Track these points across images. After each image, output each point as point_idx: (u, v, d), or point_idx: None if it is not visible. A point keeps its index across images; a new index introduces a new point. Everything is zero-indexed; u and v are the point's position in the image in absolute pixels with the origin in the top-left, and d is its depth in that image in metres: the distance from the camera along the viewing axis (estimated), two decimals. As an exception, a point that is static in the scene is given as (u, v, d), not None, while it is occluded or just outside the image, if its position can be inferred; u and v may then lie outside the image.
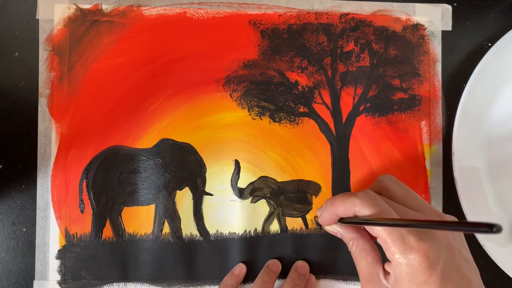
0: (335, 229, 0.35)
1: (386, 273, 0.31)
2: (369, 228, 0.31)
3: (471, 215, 0.41)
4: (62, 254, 0.41)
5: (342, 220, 0.34)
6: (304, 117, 0.44)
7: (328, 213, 0.34)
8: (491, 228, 0.21)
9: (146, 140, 0.43)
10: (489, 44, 0.44)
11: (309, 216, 0.44)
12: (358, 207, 0.31)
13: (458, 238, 0.31)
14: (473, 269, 0.30)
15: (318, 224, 0.43)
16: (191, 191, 0.43)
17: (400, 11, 0.44)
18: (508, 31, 0.42)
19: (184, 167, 0.43)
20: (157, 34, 0.43)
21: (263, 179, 0.43)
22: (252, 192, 0.43)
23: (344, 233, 0.34)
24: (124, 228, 0.42)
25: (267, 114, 0.43)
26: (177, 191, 0.43)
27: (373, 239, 0.34)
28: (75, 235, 0.42)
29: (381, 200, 0.31)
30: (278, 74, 0.44)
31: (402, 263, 0.28)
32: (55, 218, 0.41)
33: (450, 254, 0.29)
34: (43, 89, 0.42)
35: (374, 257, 0.32)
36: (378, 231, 0.29)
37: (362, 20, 0.44)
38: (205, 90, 0.43)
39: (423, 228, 0.28)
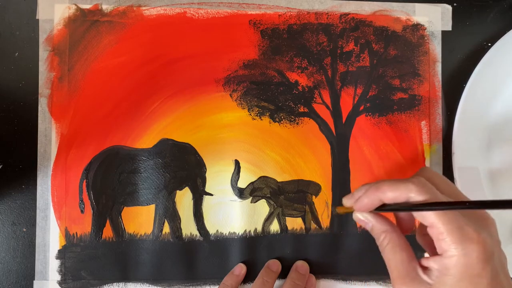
0: (367, 218, 0.33)
1: (424, 268, 0.30)
2: (422, 217, 0.29)
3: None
4: (62, 254, 0.41)
5: (382, 208, 0.31)
6: (304, 117, 0.44)
7: (370, 198, 0.31)
8: None
9: (146, 140, 0.43)
10: (489, 44, 0.44)
11: (308, 216, 0.44)
12: (414, 193, 0.29)
13: (498, 233, 0.31)
14: (507, 264, 0.30)
15: (335, 213, 0.42)
16: (191, 191, 0.43)
17: (400, 11, 0.44)
18: (508, 31, 0.42)
19: (184, 167, 0.43)
20: (157, 34, 0.43)
21: (263, 179, 0.43)
22: (252, 192, 0.43)
23: (377, 224, 0.32)
24: (124, 228, 0.42)
25: (267, 114, 0.43)
26: (177, 191, 0.43)
27: (405, 231, 0.33)
28: (75, 235, 0.42)
29: (434, 187, 0.30)
30: (278, 74, 0.44)
31: (457, 254, 0.27)
32: (55, 218, 0.41)
33: (499, 250, 0.29)
34: (43, 89, 0.42)
35: (409, 253, 0.31)
36: (433, 220, 0.28)
37: (362, 20, 0.44)
38: (205, 90, 0.43)
39: (488, 209, 0.27)
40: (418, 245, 0.34)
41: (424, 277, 0.29)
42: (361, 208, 0.32)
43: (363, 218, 0.33)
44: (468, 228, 0.28)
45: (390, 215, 0.35)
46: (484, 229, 0.28)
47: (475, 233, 0.27)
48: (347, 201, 0.34)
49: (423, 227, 0.31)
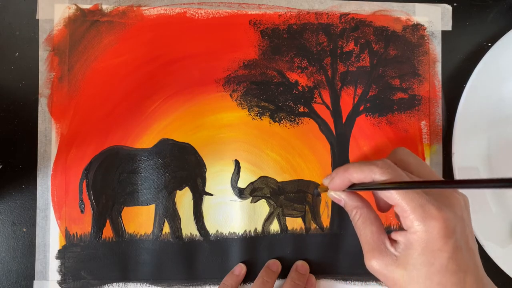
0: (340, 196, 0.35)
1: (392, 241, 0.32)
2: (386, 197, 0.31)
3: (471, 215, 0.41)
4: (62, 254, 0.41)
5: (353, 187, 0.34)
6: (304, 117, 0.44)
7: (340, 179, 0.34)
8: None
9: (146, 140, 0.43)
10: (489, 44, 0.44)
11: (308, 216, 0.44)
12: (378, 175, 0.31)
13: (467, 213, 0.32)
14: (475, 243, 0.32)
15: (317, 193, 0.43)
16: (191, 191, 0.43)
17: (400, 11, 0.44)
18: (508, 31, 0.42)
19: (184, 167, 0.43)
20: (157, 34, 0.43)
21: (263, 179, 0.43)
22: (252, 192, 0.43)
23: (348, 201, 0.35)
24: (124, 228, 0.42)
25: (267, 114, 0.43)
26: (177, 191, 0.43)
27: (383, 210, 0.35)
28: (75, 235, 0.42)
29: (399, 169, 0.32)
30: (278, 74, 0.44)
31: (420, 230, 0.29)
32: (55, 218, 0.41)
33: (463, 226, 0.31)
34: (43, 89, 0.42)
35: (379, 226, 0.33)
36: (397, 199, 0.30)
37: (362, 20, 0.44)
38: (205, 90, 0.43)
39: (448, 187, 0.29)
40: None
41: (391, 249, 0.31)
42: (334, 187, 0.35)
43: (336, 196, 0.36)
44: (429, 205, 0.29)
45: (371, 197, 0.36)
46: (447, 206, 0.30)
47: (436, 210, 0.29)
48: (325, 181, 0.37)
49: None
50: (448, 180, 0.28)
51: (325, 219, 0.44)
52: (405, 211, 0.30)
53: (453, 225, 0.29)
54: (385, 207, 0.36)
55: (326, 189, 0.37)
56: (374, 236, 0.32)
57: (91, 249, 0.42)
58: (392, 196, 0.30)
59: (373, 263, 0.32)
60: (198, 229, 0.43)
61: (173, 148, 0.43)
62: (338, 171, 0.34)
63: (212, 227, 0.43)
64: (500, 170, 0.43)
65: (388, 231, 0.33)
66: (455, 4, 0.45)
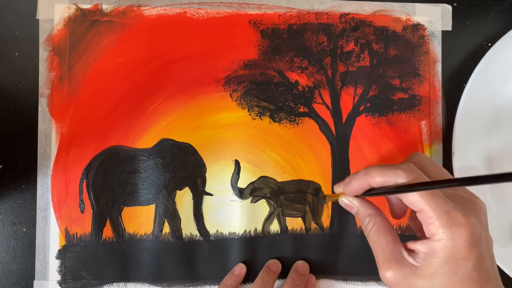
0: (352, 202, 0.33)
1: (409, 251, 0.31)
2: (410, 202, 0.29)
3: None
4: (62, 254, 0.41)
5: (370, 192, 0.32)
6: (304, 117, 0.44)
7: (359, 182, 0.32)
8: None
9: (146, 140, 0.43)
10: (489, 44, 0.44)
11: (308, 216, 0.44)
12: (403, 179, 0.30)
13: (487, 220, 0.31)
14: (492, 248, 0.31)
15: (323, 199, 0.42)
16: (191, 191, 0.43)
17: (400, 11, 0.44)
18: (508, 31, 0.42)
19: (184, 167, 0.43)
20: (157, 34, 0.43)
21: (263, 179, 0.43)
22: (252, 192, 0.43)
23: (361, 208, 0.33)
24: (124, 228, 0.42)
25: (267, 114, 0.43)
26: (177, 191, 0.43)
27: (397, 217, 0.34)
28: (75, 235, 0.42)
29: (424, 174, 0.30)
30: (278, 74, 0.44)
31: (445, 238, 0.28)
32: (55, 218, 0.41)
33: (486, 235, 0.30)
34: (43, 89, 0.42)
35: (394, 236, 0.31)
36: (422, 205, 0.29)
37: (362, 20, 0.44)
38: (205, 90, 0.43)
39: (478, 184, 0.27)
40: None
41: (410, 259, 0.30)
42: (351, 191, 0.33)
43: (348, 202, 0.34)
44: (456, 212, 0.28)
45: (385, 204, 0.35)
46: (472, 213, 0.29)
47: (463, 217, 0.28)
48: (337, 188, 0.35)
49: (413, 212, 0.31)
50: (475, 176, 0.27)
51: (325, 219, 0.44)
52: (430, 217, 0.28)
53: (478, 233, 0.28)
54: (400, 213, 0.35)
55: (334, 198, 0.35)
56: (390, 246, 0.31)
57: (91, 249, 0.42)
58: (416, 202, 0.29)
59: (389, 274, 0.30)
60: (198, 229, 0.43)
61: (173, 148, 0.43)
62: (358, 174, 0.32)
63: (212, 227, 0.43)
64: (500, 170, 0.43)
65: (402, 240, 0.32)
66: (455, 4, 0.45)
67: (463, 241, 0.28)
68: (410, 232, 0.43)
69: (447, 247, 0.28)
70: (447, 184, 0.28)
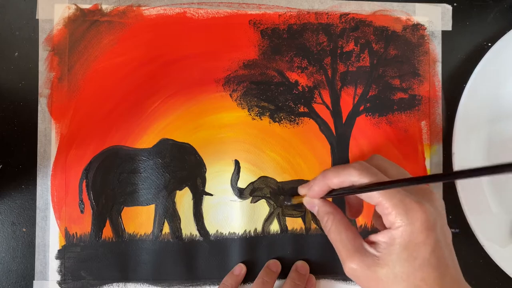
0: (313, 202, 0.36)
1: (370, 243, 0.32)
2: (368, 198, 0.31)
3: (471, 215, 0.41)
4: (62, 254, 0.41)
5: (332, 193, 0.34)
6: (304, 117, 0.44)
7: (319, 185, 0.34)
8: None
9: (146, 140, 0.43)
10: (489, 44, 0.44)
11: (308, 216, 0.44)
12: (356, 177, 0.31)
13: (444, 214, 0.33)
14: (451, 243, 0.32)
15: (287, 203, 0.42)
16: (191, 191, 0.43)
17: (400, 11, 0.44)
18: (508, 31, 0.42)
19: (184, 167, 0.43)
20: (157, 34, 0.42)
21: (263, 179, 0.43)
22: (252, 192, 0.43)
23: (321, 207, 0.35)
24: (124, 228, 0.42)
25: (267, 114, 0.43)
26: (177, 191, 0.43)
27: (354, 215, 0.37)
28: (75, 235, 0.42)
29: (377, 170, 0.32)
30: (278, 74, 0.44)
31: (403, 224, 0.29)
32: (55, 218, 0.41)
33: (442, 222, 0.31)
34: (43, 89, 0.42)
35: (354, 231, 0.33)
36: (378, 199, 0.30)
37: (362, 20, 0.44)
38: (205, 90, 0.43)
39: (432, 182, 0.29)
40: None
41: (372, 250, 0.31)
42: (314, 195, 0.35)
43: (310, 202, 0.36)
44: (410, 199, 0.30)
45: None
46: (428, 201, 0.30)
47: (417, 203, 0.30)
48: (301, 190, 0.38)
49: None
50: (427, 175, 0.29)
51: (325, 219, 0.44)
52: (387, 207, 0.30)
53: (433, 218, 0.30)
54: (356, 213, 0.37)
55: (299, 200, 0.38)
56: (351, 240, 0.32)
57: (91, 249, 0.42)
58: (372, 196, 0.31)
59: (353, 266, 0.31)
60: (198, 229, 0.43)
61: (173, 148, 0.43)
62: (317, 178, 0.35)
63: (212, 227, 0.43)
64: (500, 170, 0.43)
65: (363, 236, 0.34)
66: (455, 4, 0.45)
67: (420, 224, 0.29)
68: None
69: (406, 232, 0.29)
70: (402, 183, 0.29)
